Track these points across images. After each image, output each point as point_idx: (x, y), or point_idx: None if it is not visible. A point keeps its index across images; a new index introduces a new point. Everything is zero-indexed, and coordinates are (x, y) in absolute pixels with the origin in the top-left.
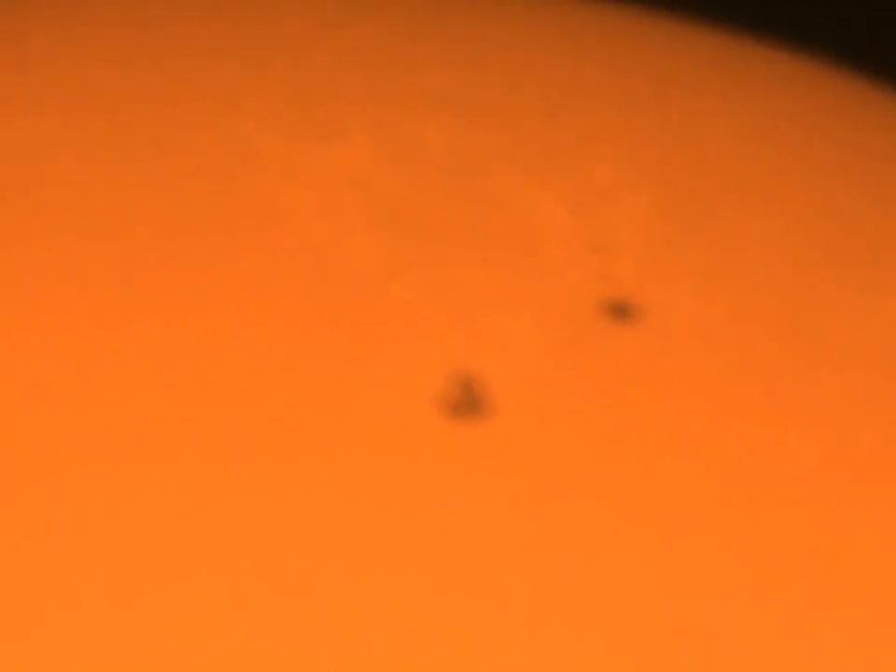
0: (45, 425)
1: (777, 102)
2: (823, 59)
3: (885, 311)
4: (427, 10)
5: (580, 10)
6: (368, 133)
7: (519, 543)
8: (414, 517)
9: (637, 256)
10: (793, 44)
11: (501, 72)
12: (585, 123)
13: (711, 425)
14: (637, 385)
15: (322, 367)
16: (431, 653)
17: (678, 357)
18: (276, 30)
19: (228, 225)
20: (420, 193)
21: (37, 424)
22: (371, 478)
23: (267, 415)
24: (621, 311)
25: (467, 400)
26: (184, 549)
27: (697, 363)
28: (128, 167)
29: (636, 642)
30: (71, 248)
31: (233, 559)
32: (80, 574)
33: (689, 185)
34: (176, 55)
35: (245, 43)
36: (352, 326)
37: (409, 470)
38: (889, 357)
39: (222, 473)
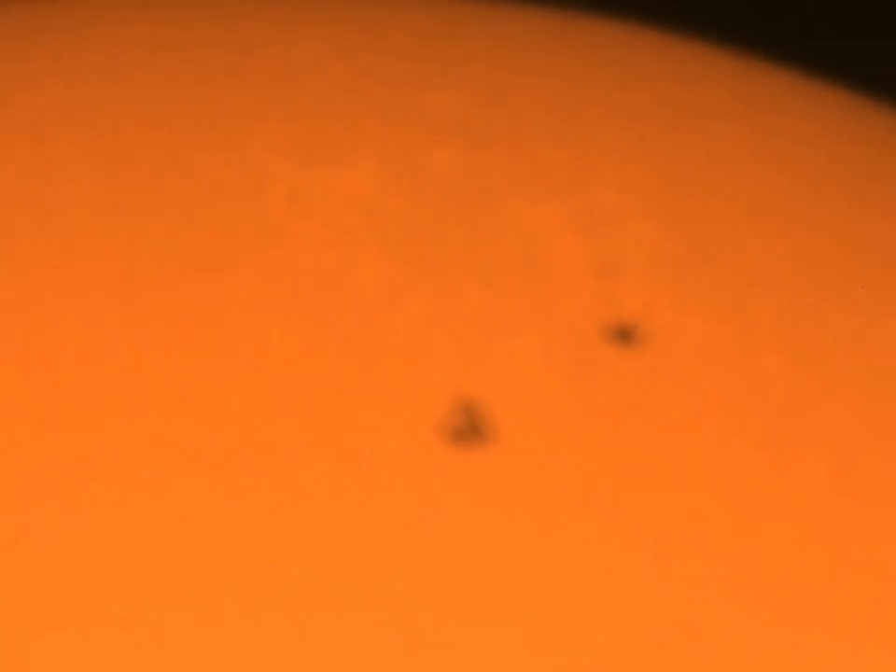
0: (53, 441)
1: (785, 124)
2: (831, 81)
3: (893, 333)
4: (435, 34)
5: (588, 32)
6: (374, 157)
7: (522, 570)
8: (415, 543)
9: (643, 280)
10: (802, 67)
11: (509, 95)
12: (592, 146)
13: (717, 448)
14: (642, 410)
15: (325, 391)
16: None
17: (684, 381)
18: (285, 54)
19: (234, 248)
20: (426, 217)
21: (44, 439)
22: (373, 504)
23: (269, 439)
24: (626, 335)
25: (470, 426)
26: (186, 573)
27: (703, 387)
28: (135, 190)
29: (645, 665)
30: (77, 270)
31: (233, 585)
32: (87, 583)
33: (695, 208)
34: (185, 79)
35: (256, 67)
36: (355, 350)
37: (411, 496)
38: None
39: (223, 497)
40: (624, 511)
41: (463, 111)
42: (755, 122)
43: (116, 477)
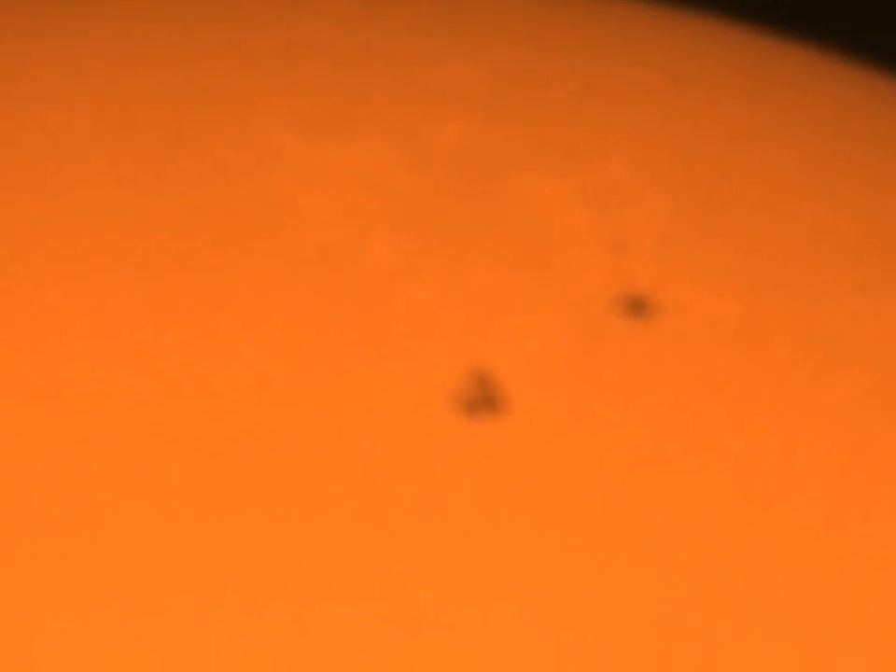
0: (55, 423)
1: (797, 99)
2: (844, 56)
3: None
4: (444, 8)
5: (598, 7)
6: (384, 132)
7: (532, 541)
8: (428, 514)
9: (655, 253)
10: (814, 41)
11: (519, 69)
12: (603, 120)
13: (726, 424)
14: (652, 383)
15: (339, 365)
16: (443, 649)
17: (694, 355)
18: (293, 28)
19: (244, 224)
20: (437, 191)
21: (46, 421)
22: (386, 474)
23: (283, 413)
24: (637, 308)
25: (482, 398)
26: (207, 546)
27: (713, 361)
28: (145, 167)
29: (651, 642)
30: (80, 249)
31: (246, 560)
32: (88, 577)
33: (707, 182)
34: (188, 54)
35: (262, 42)
36: (369, 324)
37: (424, 467)
38: None
39: (236, 472)
40: (634, 487)
41: (469, 85)
42: (768, 99)
43: (122, 454)
